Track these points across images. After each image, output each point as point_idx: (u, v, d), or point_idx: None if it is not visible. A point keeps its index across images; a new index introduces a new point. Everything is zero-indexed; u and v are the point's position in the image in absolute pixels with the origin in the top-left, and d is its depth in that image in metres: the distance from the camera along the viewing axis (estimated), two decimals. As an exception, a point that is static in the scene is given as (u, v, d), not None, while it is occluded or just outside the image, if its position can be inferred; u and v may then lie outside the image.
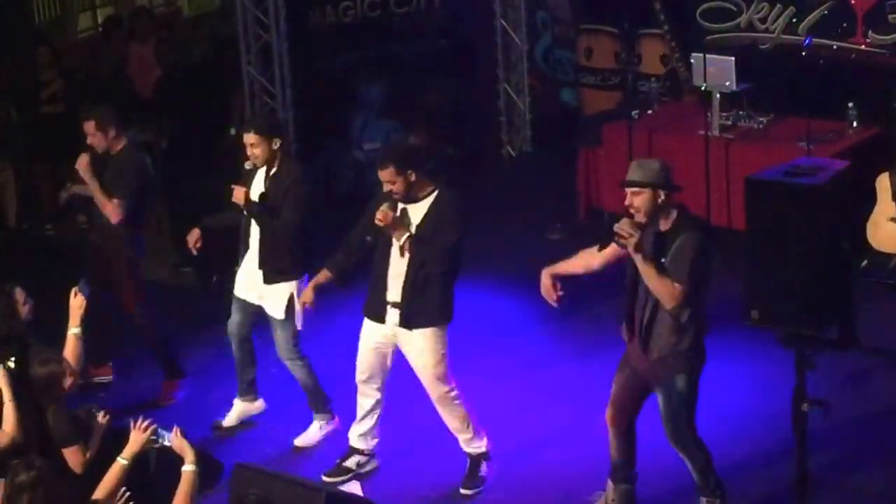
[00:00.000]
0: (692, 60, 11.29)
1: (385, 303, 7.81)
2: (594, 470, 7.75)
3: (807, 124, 10.49)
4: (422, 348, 7.80)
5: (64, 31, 15.46)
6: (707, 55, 11.01)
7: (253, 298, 8.50)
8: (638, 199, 6.90)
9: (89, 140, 8.98)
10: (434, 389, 7.87)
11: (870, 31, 11.48)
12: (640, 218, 6.90)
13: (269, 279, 8.37)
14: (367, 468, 8.19)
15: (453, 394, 7.90)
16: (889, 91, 10.35)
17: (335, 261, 8.08)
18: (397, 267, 7.75)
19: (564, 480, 7.95)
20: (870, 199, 9.83)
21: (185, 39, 14.74)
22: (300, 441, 8.61)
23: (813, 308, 6.37)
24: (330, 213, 11.85)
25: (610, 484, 7.50)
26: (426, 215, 7.72)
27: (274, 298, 8.40)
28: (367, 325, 7.96)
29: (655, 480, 7.65)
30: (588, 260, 7.40)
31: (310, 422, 8.65)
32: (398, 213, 7.69)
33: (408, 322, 7.75)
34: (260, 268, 8.39)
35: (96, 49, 14.19)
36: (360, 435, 8.14)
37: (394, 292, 7.76)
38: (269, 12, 11.55)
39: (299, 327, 8.48)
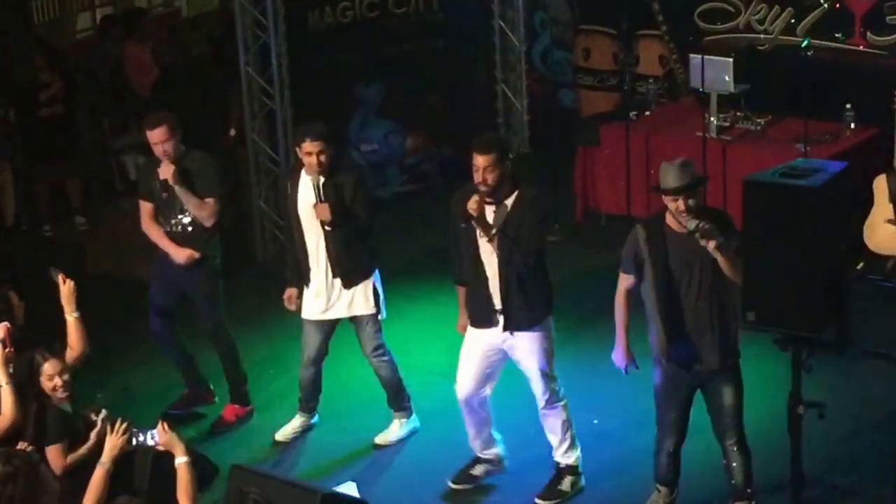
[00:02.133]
0: (690, 61, 11.30)
1: (490, 309, 7.64)
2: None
3: (804, 126, 10.51)
4: (529, 350, 7.68)
5: (63, 31, 15.48)
6: (705, 56, 11.01)
7: (336, 314, 8.41)
8: (692, 201, 6.97)
9: (162, 148, 8.44)
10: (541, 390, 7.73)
11: (868, 33, 11.49)
12: (692, 218, 6.90)
13: (349, 283, 8.31)
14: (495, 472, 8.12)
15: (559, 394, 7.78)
16: (887, 92, 10.33)
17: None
18: (493, 279, 7.59)
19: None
20: (867, 201, 9.84)
21: (184, 39, 14.77)
22: (380, 439, 8.59)
23: (810, 310, 6.37)
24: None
25: (664, 490, 7.53)
26: (509, 217, 7.50)
27: (359, 297, 8.36)
28: (470, 332, 7.82)
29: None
30: (625, 302, 7.34)
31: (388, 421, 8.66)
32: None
33: (511, 325, 7.63)
34: (336, 276, 8.29)
35: (95, 50, 14.19)
36: (480, 446, 8.02)
37: (495, 297, 7.60)
38: (268, 13, 11.54)
39: (383, 317, 8.46)
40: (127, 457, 6.56)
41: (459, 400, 7.82)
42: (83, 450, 6.89)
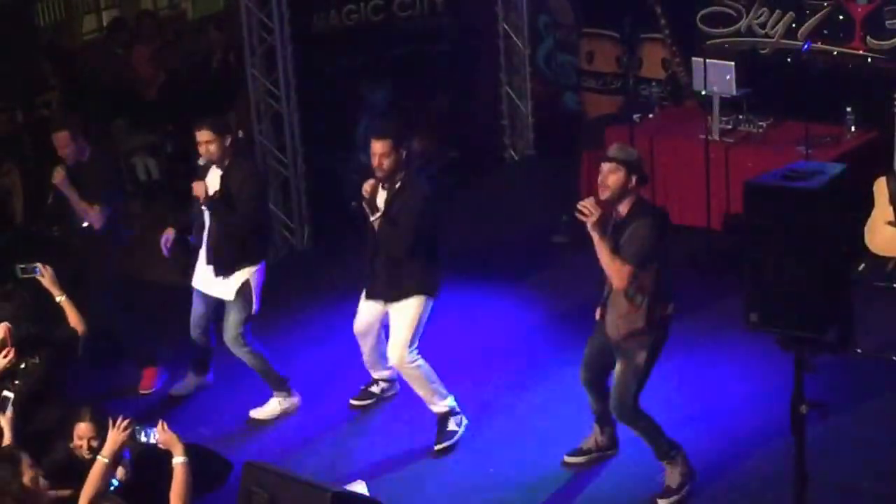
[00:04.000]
0: (693, 65, 11.37)
1: (374, 279, 8.37)
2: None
3: (805, 128, 10.55)
4: (397, 320, 8.30)
5: (69, 33, 15.51)
6: (707, 60, 11.07)
7: (209, 291, 8.80)
8: (613, 178, 7.36)
9: (61, 152, 9.01)
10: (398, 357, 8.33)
11: (868, 37, 11.55)
12: (607, 195, 7.34)
13: (219, 272, 8.65)
14: (390, 392, 8.95)
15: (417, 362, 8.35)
16: (887, 95, 10.40)
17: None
18: (374, 246, 8.28)
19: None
20: (868, 203, 9.90)
21: (190, 42, 14.82)
22: (256, 413, 8.92)
23: (812, 311, 6.38)
24: (334, 216, 11.99)
25: (596, 427, 8.03)
26: (392, 201, 8.15)
27: (225, 282, 8.67)
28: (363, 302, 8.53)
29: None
30: None
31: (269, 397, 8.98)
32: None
33: (386, 297, 8.32)
34: (208, 263, 8.69)
35: (101, 52, 14.25)
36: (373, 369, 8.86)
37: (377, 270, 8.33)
38: (274, 16, 11.60)
39: (254, 312, 8.74)
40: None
41: (356, 334, 8.65)
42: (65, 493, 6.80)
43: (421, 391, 8.43)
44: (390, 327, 8.42)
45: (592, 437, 8.13)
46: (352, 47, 12.32)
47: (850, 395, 8.52)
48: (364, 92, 12.48)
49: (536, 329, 9.98)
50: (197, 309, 8.99)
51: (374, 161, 8.14)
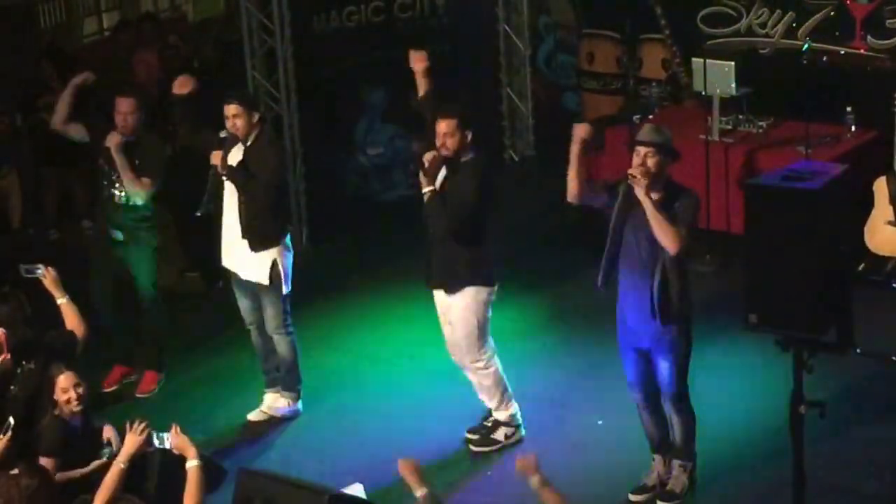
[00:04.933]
0: (693, 65, 11.37)
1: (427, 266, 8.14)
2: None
3: (806, 128, 10.56)
4: (458, 312, 8.05)
5: (70, 35, 15.52)
6: (707, 60, 11.07)
7: (242, 271, 8.59)
8: (652, 161, 7.20)
9: (122, 119, 8.95)
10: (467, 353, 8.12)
11: (868, 36, 11.56)
12: (647, 180, 7.13)
13: (254, 247, 8.46)
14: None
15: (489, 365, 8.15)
16: (887, 95, 10.40)
17: None
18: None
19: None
20: (868, 203, 9.89)
21: (191, 44, 14.81)
22: (253, 415, 8.84)
23: (811, 311, 6.40)
24: (336, 218, 12.01)
25: (657, 458, 7.73)
26: (447, 181, 7.94)
27: (259, 263, 8.50)
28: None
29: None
30: (584, 180, 7.62)
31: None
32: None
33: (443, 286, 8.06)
34: (244, 237, 8.47)
35: (103, 54, 14.25)
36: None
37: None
38: (274, 17, 11.61)
39: (286, 291, 8.56)
40: (137, 460, 6.58)
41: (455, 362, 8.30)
42: (76, 473, 6.90)
43: (484, 395, 8.27)
44: (450, 323, 8.18)
45: (654, 474, 7.82)
46: (352, 48, 12.31)
47: (850, 396, 8.51)
48: (364, 93, 12.48)
49: (538, 330, 9.97)
50: (242, 302, 8.77)
51: (439, 140, 7.92)
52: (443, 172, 7.97)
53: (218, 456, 8.29)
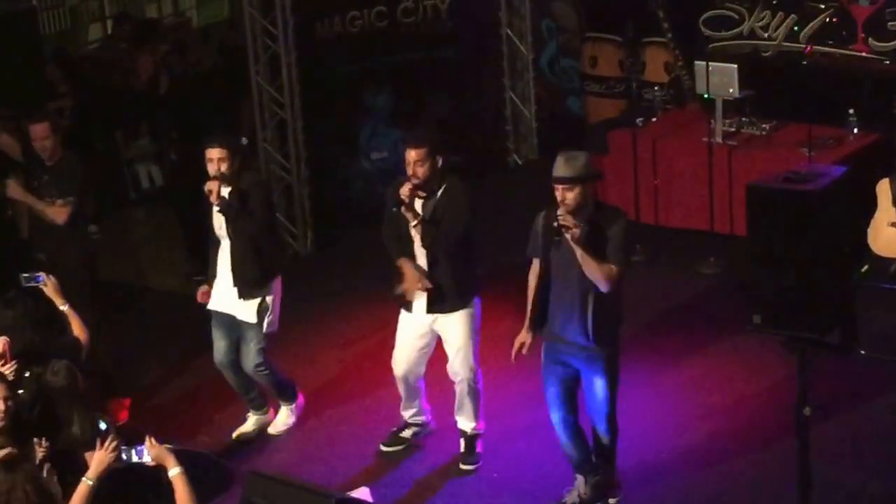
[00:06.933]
0: (695, 68, 11.39)
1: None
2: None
3: (808, 131, 10.58)
4: (453, 330, 8.04)
5: (74, 42, 15.57)
6: (710, 63, 11.11)
7: (231, 310, 8.48)
8: (570, 195, 7.06)
9: (38, 144, 8.93)
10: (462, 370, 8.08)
11: (870, 39, 11.58)
12: (572, 216, 7.02)
13: (243, 293, 8.38)
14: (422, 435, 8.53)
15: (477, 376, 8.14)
16: (889, 97, 10.42)
17: None
18: (420, 258, 7.97)
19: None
20: (871, 205, 9.91)
21: (195, 50, 14.87)
22: (273, 429, 8.79)
23: (814, 313, 6.40)
24: (340, 221, 12.03)
25: (580, 478, 7.65)
26: (436, 206, 7.88)
27: (248, 303, 8.43)
28: (403, 316, 8.18)
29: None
30: (536, 278, 7.61)
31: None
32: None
33: (435, 308, 8.00)
34: (234, 285, 8.38)
35: (105, 55, 14.28)
36: (410, 413, 8.45)
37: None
38: (278, 22, 11.63)
39: (272, 329, 8.51)
40: (120, 477, 6.40)
41: (396, 377, 8.26)
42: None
43: (467, 407, 8.23)
44: (448, 341, 8.14)
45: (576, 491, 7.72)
46: (356, 54, 12.34)
47: (854, 397, 8.53)
48: (368, 98, 12.51)
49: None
50: (219, 341, 8.59)
51: (409, 169, 7.80)
52: (420, 202, 7.91)
53: (226, 458, 8.35)
